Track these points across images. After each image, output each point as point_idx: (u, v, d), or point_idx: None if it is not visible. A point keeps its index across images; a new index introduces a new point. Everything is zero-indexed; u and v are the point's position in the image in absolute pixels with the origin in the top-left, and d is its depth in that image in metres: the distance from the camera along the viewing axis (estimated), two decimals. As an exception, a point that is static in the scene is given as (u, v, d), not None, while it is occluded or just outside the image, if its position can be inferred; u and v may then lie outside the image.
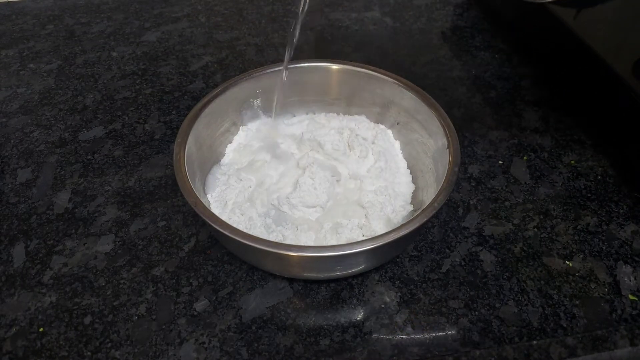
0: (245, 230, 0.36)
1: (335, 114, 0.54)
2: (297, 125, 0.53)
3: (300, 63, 0.50)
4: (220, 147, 0.49)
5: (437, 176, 0.43)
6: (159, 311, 0.40)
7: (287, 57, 0.47)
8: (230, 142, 0.51)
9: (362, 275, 0.42)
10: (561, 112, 0.59)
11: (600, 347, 0.38)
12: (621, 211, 0.47)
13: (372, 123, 0.53)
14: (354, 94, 0.52)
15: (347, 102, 0.53)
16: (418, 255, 0.44)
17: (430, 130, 0.45)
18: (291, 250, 0.34)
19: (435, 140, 0.45)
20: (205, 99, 0.46)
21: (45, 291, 0.42)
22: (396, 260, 0.43)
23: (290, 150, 0.49)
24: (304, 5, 0.44)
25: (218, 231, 0.35)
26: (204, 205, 0.37)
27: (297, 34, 0.46)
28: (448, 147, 0.41)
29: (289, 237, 0.42)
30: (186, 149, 0.41)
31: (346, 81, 0.51)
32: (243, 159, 0.49)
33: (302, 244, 0.41)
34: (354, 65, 0.50)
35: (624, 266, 0.43)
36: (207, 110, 0.45)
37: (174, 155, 0.41)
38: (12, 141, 0.56)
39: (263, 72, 0.49)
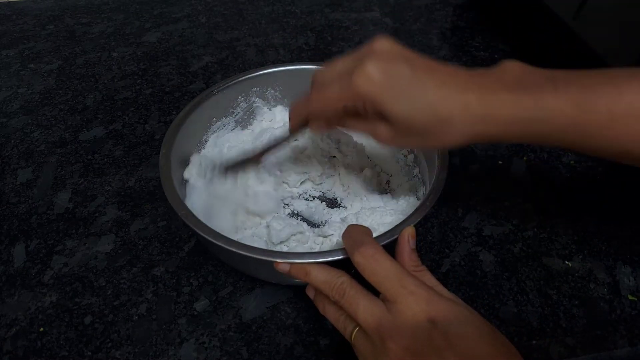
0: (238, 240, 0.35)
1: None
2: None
3: (301, 64, 0.50)
4: (208, 152, 0.48)
5: (434, 176, 0.42)
6: (159, 311, 0.40)
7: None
8: (218, 147, 0.49)
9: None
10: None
11: (600, 347, 0.38)
12: (621, 211, 0.47)
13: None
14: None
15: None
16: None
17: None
18: (288, 259, 0.33)
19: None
20: (187, 107, 0.45)
21: (45, 291, 0.42)
22: (396, 260, 0.43)
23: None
24: None
25: (213, 244, 0.35)
26: (197, 218, 0.36)
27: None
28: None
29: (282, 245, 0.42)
30: (171, 159, 0.40)
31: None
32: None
33: (295, 251, 0.41)
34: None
35: (623, 266, 0.43)
36: (191, 118, 0.45)
37: (159, 168, 0.39)
38: (12, 141, 0.56)
39: (245, 77, 0.49)
